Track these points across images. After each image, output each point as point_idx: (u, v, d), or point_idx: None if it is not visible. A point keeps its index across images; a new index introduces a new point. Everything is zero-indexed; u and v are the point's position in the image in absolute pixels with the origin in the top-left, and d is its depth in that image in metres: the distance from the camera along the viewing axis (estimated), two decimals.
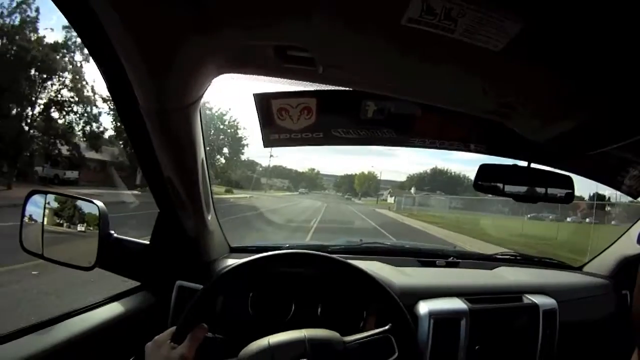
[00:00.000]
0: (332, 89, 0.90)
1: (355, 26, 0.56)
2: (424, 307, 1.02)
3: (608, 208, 13.29)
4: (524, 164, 1.03)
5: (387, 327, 0.82)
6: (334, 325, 1.01)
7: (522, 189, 1.02)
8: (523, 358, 1.10)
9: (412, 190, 37.62)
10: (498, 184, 1.00)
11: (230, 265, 0.86)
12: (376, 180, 50.64)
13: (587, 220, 14.79)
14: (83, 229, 0.98)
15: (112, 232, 0.99)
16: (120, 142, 18.31)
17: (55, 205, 0.99)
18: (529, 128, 0.89)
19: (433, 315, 1.00)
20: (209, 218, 1.04)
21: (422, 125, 0.96)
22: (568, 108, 0.75)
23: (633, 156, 1.14)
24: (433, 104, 0.86)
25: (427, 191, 38.61)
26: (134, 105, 0.69)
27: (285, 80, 0.93)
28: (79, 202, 0.98)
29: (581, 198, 12.91)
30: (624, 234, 1.51)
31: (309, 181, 39.58)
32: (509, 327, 1.08)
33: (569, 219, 17.77)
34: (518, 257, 1.55)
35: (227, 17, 0.53)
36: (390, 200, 37.85)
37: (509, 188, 1.01)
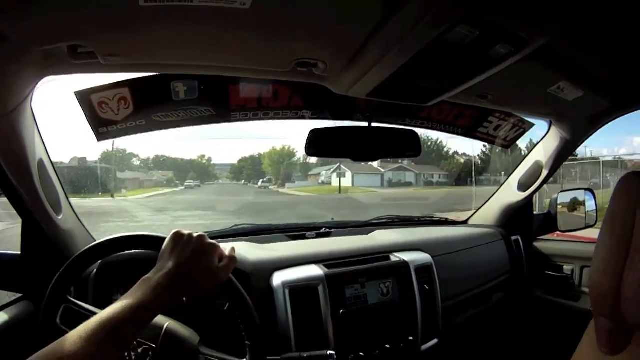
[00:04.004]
0: (140, 76, 0.92)
1: (100, 10, 0.59)
2: (277, 278, 1.01)
3: None
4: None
5: None
6: (198, 310, 1.02)
7: (363, 148, 1.03)
8: (402, 315, 1.10)
9: (376, 162, 20.06)
10: (333, 147, 1.00)
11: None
12: (296, 158, 28.51)
13: None
14: None
15: None
16: None
17: None
18: (342, 85, 0.90)
19: (287, 285, 0.99)
20: (60, 217, 1.03)
21: (238, 98, 0.96)
22: (373, 60, 0.75)
23: (486, 104, 1.15)
24: (234, 74, 0.87)
25: (392, 161, 22.95)
26: None
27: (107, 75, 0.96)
28: None
29: None
30: (503, 184, 1.54)
31: (200, 170, 29.51)
32: (377, 288, 1.08)
33: None
34: (396, 220, 1.56)
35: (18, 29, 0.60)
36: (345, 182, 23.30)
37: (346, 149, 1.01)
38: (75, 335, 0.52)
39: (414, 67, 0.76)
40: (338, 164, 22.85)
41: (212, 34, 0.68)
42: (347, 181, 22.80)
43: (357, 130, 1.02)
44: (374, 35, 0.68)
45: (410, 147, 1.06)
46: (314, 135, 0.97)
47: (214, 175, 30.16)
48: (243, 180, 28.90)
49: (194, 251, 0.66)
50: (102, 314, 0.56)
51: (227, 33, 0.68)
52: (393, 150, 1.06)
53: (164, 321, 0.76)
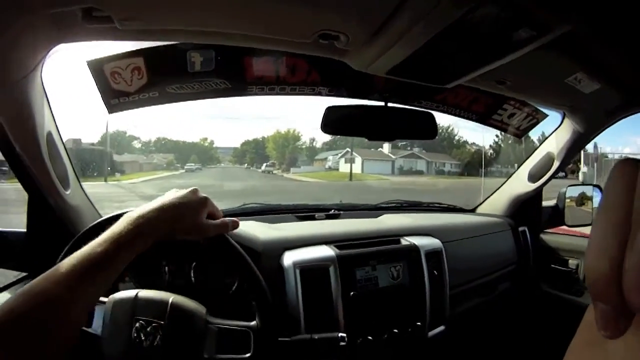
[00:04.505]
0: (155, 45, 0.89)
1: None
2: (288, 258, 0.99)
3: None
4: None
5: (251, 323, 0.78)
6: (206, 290, 1.00)
7: (379, 127, 1.01)
8: (411, 300, 1.09)
9: (386, 148, 21.19)
10: (349, 125, 0.99)
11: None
12: (301, 142, 27.08)
13: None
14: None
15: None
16: None
17: None
18: (363, 61, 0.88)
19: (298, 265, 0.98)
20: (68, 192, 1.01)
21: (255, 71, 0.95)
22: (396, 35, 0.73)
23: (504, 90, 1.14)
24: (254, 45, 0.84)
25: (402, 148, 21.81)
26: None
27: (121, 43, 0.93)
28: None
29: None
30: (513, 174, 1.53)
31: (202, 153, 28.23)
32: (387, 271, 1.07)
33: None
34: (404, 205, 1.55)
35: None
36: (347, 168, 21.42)
37: (362, 127, 1.00)
38: (45, 277, 0.51)
39: (436, 46, 0.75)
40: (346, 149, 21.69)
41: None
42: (356, 167, 21.49)
43: (373, 109, 1.01)
44: (400, 7, 0.66)
45: (426, 129, 1.04)
46: (330, 112, 0.96)
47: (216, 158, 29.33)
48: (246, 164, 28.06)
49: (181, 197, 0.68)
50: (77, 252, 0.54)
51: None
52: (409, 132, 1.04)
53: (168, 296, 0.75)
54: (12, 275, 1.03)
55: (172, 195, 0.69)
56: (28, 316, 0.47)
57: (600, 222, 0.40)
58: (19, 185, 0.99)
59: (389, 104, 1.02)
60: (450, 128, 24.96)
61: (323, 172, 23.28)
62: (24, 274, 1.06)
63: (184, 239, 0.69)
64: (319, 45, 0.81)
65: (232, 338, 0.76)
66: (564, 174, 1.47)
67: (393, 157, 21.66)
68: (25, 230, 1.04)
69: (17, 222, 1.10)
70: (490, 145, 18.97)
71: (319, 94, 1.02)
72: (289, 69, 0.97)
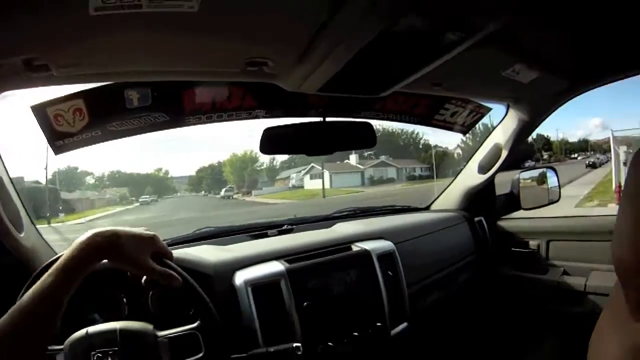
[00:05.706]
0: (93, 86, 0.93)
1: (52, 22, 0.60)
2: (239, 278, 1.01)
3: None
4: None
5: (195, 325, 0.83)
6: (166, 318, 0.98)
7: (317, 142, 1.04)
8: (367, 302, 1.12)
9: (353, 159, 21.17)
10: (287, 143, 1.02)
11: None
12: (259, 163, 25.27)
13: None
14: None
15: None
16: None
17: None
18: (293, 82, 0.92)
19: (249, 283, 0.99)
20: (22, 235, 1.02)
21: (191, 102, 0.98)
22: (322, 55, 0.77)
23: (441, 91, 1.18)
24: (187, 78, 0.88)
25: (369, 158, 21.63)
26: None
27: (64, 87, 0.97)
28: None
29: None
30: (462, 168, 1.58)
31: (158, 184, 26.98)
32: (341, 278, 1.09)
33: None
34: (357, 212, 1.58)
35: None
36: (313, 184, 20.62)
37: (300, 145, 1.04)
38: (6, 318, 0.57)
39: (364, 59, 0.77)
40: (311, 164, 20.73)
41: (162, 39, 0.70)
42: (321, 183, 20.23)
43: (311, 126, 1.04)
44: (323, 30, 0.69)
45: (365, 139, 1.08)
46: (268, 133, 0.98)
47: (172, 188, 28.09)
48: (203, 192, 27.01)
49: (134, 230, 0.74)
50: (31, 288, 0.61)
51: (177, 37, 0.69)
52: (349, 143, 1.08)
53: (116, 325, 0.80)
54: None
55: (126, 228, 0.74)
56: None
57: (625, 211, 0.39)
58: None
59: (327, 119, 1.05)
60: (415, 133, 24.94)
61: (288, 192, 22.05)
62: None
63: (117, 268, 0.74)
64: (248, 72, 0.84)
65: (184, 344, 0.81)
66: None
67: (362, 167, 21.09)
68: None
69: None
70: (459, 145, 18.66)
71: (256, 117, 1.06)
72: (225, 96, 1.01)
